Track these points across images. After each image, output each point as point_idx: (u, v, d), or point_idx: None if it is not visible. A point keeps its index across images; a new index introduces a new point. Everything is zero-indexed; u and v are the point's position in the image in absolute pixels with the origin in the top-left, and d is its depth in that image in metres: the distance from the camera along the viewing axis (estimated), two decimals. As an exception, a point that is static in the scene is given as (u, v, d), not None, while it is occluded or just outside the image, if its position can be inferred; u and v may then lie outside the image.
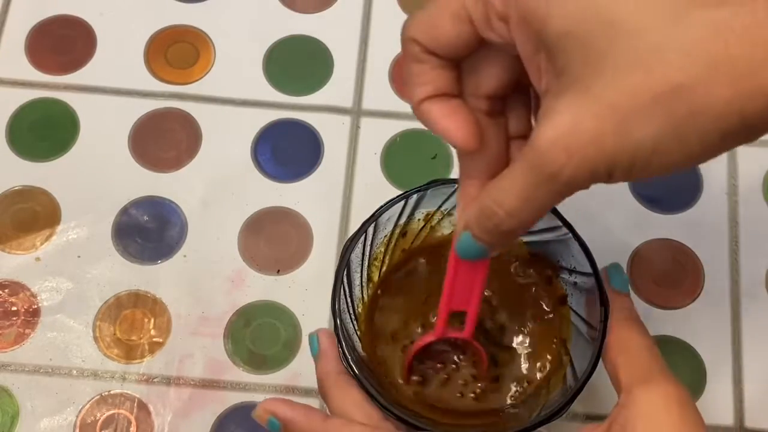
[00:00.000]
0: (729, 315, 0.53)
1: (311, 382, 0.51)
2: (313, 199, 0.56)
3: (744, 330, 0.53)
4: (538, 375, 0.45)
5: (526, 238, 0.47)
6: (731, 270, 0.54)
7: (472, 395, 0.45)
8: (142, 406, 0.51)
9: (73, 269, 0.54)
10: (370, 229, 0.44)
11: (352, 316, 0.45)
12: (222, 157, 0.57)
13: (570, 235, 0.43)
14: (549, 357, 0.46)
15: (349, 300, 0.44)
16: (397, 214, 0.45)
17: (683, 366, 0.52)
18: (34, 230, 0.55)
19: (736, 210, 0.55)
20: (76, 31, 0.60)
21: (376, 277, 0.47)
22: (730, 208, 0.55)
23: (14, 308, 0.53)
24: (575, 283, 0.45)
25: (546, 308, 0.47)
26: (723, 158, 0.57)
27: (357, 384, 0.41)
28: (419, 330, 0.46)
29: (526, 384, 0.45)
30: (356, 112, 0.58)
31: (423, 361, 0.45)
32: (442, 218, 0.47)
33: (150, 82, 0.58)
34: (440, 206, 0.46)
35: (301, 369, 0.52)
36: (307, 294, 0.53)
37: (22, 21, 0.60)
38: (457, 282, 0.39)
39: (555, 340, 0.46)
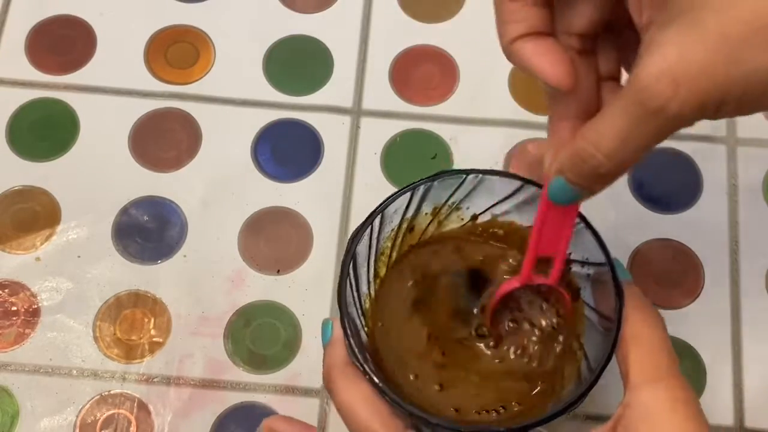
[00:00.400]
0: (729, 315, 0.53)
1: (311, 382, 0.51)
2: (313, 199, 0.56)
3: (744, 330, 0.53)
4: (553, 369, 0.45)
5: None
6: (731, 270, 0.54)
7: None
8: (142, 406, 0.51)
9: (73, 269, 0.54)
10: (377, 222, 0.43)
11: (359, 311, 0.44)
12: (222, 157, 0.57)
13: (582, 224, 0.42)
14: (564, 353, 0.45)
15: (355, 293, 0.43)
16: (404, 207, 0.44)
17: (683, 366, 0.51)
18: (34, 230, 0.55)
19: (736, 210, 0.55)
20: (76, 31, 0.60)
21: (383, 273, 0.46)
22: (730, 208, 0.55)
23: (14, 308, 0.53)
24: (588, 275, 0.44)
25: (560, 304, 0.46)
26: (723, 158, 0.57)
27: (366, 378, 0.40)
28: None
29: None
30: (356, 112, 0.58)
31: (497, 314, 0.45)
32: (450, 212, 0.46)
33: (150, 82, 0.58)
34: (448, 199, 0.45)
35: (301, 369, 0.52)
36: (307, 294, 0.53)
37: (22, 21, 0.60)
38: (545, 228, 0.39)
39: (569, 335, 0.45)
